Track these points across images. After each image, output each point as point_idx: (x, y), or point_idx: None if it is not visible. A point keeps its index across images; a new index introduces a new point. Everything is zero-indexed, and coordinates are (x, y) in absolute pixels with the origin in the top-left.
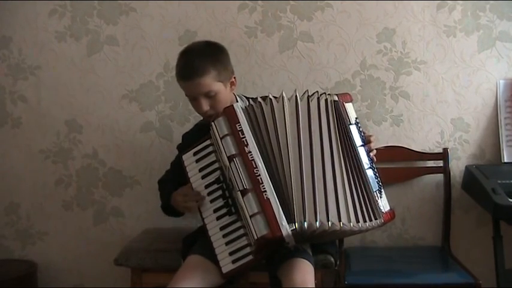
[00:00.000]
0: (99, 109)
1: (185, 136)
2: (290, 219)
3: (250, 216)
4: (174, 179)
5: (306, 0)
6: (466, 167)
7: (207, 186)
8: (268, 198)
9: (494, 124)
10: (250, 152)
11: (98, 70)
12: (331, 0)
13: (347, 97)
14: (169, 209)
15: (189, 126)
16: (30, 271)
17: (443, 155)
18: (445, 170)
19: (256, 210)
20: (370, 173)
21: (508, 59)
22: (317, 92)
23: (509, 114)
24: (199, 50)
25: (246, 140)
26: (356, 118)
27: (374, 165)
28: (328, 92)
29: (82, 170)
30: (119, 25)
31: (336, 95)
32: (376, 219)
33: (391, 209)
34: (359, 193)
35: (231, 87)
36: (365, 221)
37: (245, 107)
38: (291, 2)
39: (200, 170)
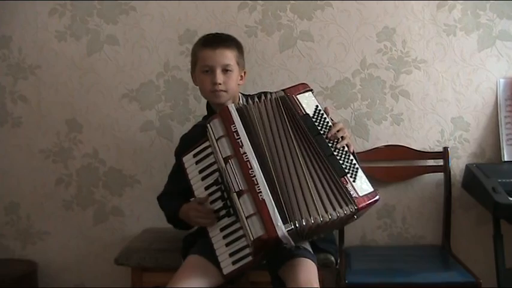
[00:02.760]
0: (99, 108)
1: (184, 138)
2: (285, 220)
3: (246, 218)
4: (175, 190)
5: (306, 0)
6: (467, 166)
7: (206, 188)
8: (264, 199)
9: (494, 123)
10: (245, 153)
11: (98, 69)
12: (331, 0)
13: (299, 88)
14: (177, 221)
15: (189, 126)
16: (31, 271)
17: (444, 154)
18: (445, 169)
19: (251, 212)
20: (333, 159)
21: (508, 57)
22: (269, 92)
23: (509, 113)
24: (227, 34)
25: (240, 140)
26: (316, 106)
27: (343, 151)
28: (276, 90)
29: (82, 169)
30: (119, 24)
31: (283, 90)
32: (347, 204)
33: (373, 191)
34: (323, 182)
35: (240, 78)
36: (334, 209)
37: (239, 107)
38: (291, 1)
39: (200, 172)
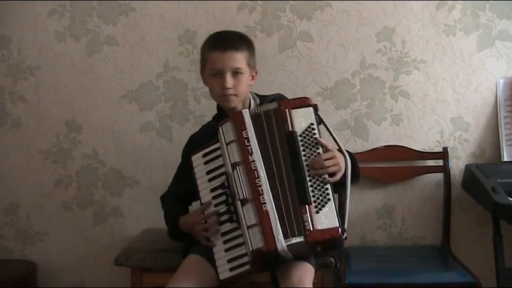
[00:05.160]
0: (98, 109)
1: (193, 137)
2: (286, 234)
3: (248, 227)
4: (179, 192)
5: (305, 0)
6: (466, 166)
7: (212, 190)
8: (267, 211)
9: (494, 123)
10: (254, 161)
11: (98, 70)
12: (331, 0)
13: (296, 102)
14: (177, 233)
15: (188, 126)
16: (30, 271)
17: (443, 154)
18: (445, 169)
19: (254, 222)
20: (301, 185)
21: (508, 58)
22: (273, 98)
23: (509, 113)
24: (237, 32)
25: (251, 148)
26: (311, 124)
27: (317, 179)
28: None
29: (82, 170)
30: (119, 25)
31: (279, 102)
32: (294, 235)
33: (336, 227)
34: (287, 205)
35: (251, 79)
36: (287, 237)
37: (254, 113)
38: (291, 1)
39: (208, 173)
